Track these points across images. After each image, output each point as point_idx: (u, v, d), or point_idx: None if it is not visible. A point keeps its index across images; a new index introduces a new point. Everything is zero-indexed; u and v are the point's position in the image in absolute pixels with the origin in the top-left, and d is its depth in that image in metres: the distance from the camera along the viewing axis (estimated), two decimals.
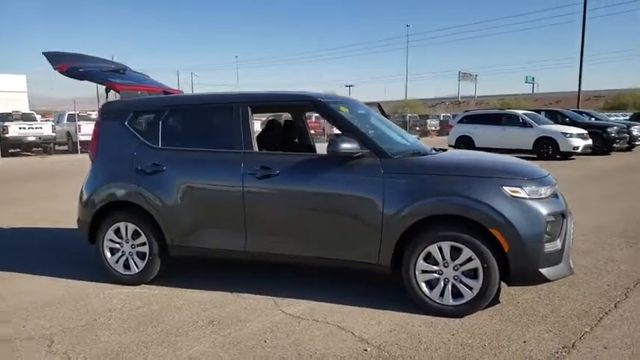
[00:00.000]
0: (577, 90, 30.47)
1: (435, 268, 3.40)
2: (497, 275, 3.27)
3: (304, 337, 3.14)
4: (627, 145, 17.19)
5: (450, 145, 16.03)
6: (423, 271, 3.43)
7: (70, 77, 4.58)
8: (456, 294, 3.39)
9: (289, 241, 3.75)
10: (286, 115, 5.23)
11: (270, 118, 5.03)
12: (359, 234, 3.53)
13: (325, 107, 3.82)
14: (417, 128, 33.90)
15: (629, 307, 3.57)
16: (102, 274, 4.28)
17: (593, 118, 18.60)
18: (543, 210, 3.28)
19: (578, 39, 28.44)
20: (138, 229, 4.09)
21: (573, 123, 16.57)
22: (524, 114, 15.73)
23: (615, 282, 4.08)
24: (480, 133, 15.79)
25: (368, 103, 4.68)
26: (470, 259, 3.31)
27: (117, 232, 4.18)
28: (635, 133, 17.66)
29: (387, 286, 3.96)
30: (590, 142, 14.90)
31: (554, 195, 3.46)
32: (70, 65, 4.54)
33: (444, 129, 34.42)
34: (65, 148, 22.77)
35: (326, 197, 3.60)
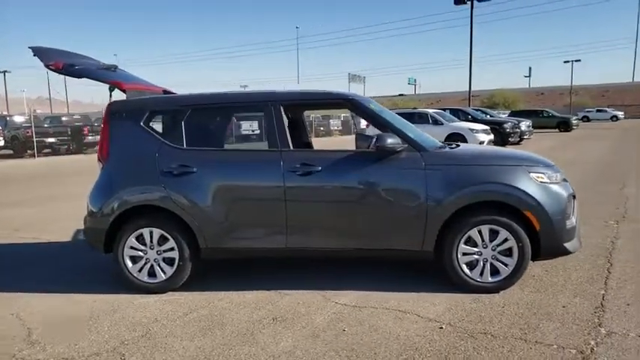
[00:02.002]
0: (454, 90, 33.36)
1: (475, 249, 3.75)
2: (529, 252, 3.70)
3: (378, 323, 3.31)
4: (518, 139, 19.36)
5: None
6: (464, 254, 3.76)
7: (66, 75, 4.24)
8: (494, 272, 3.76)
9: (332, 235, 3.87)
10: None
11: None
12: (404, 224, 3.76)
13: (361, 105, 4.00)
14: (322, 128, 34.67)
15: (620, 271, 4.20)
16: (115, 284, 4.05)
17: (488, 116, 20.65)
18: (563, 192, 3.77)
19: (454, 43, 31.14)
20: (165, 233, 3.93)
21: (474, 120, 18.25)
22: (434, 112, 17.02)
23: (595, 253, 4.74)
24: None
25: None
26: (506, 240, 3.70)
27: (138, 238, 3.97)
28: (523, 128, 19.94)
29: (418, 270, 4.25)
30: (492, 137, 16.55)
31: (564, 180, 3.97)
32: (65, 62, 4.20)
33: (345, 129, 35.69)
34: None
35: (370, 191, 3.77)
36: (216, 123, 4.17)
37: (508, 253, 3.73)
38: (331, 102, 4.19)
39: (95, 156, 4.35)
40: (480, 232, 3.72)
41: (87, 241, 4.21)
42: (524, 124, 20.40)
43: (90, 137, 23.16)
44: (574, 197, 3.96)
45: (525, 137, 20.25)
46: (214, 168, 3.90)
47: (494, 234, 3.72)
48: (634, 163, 12.43)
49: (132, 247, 3.98)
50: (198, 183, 3.88)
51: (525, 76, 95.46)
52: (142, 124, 4.05)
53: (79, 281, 4.38)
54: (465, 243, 3.74)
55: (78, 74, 4.23)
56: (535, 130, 29.15)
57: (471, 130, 16.03)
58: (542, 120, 30.70)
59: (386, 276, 4.21)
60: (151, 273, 4.00)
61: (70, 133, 22.85)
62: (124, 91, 4.25)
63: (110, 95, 4.28)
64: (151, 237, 3.96)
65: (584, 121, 49.67)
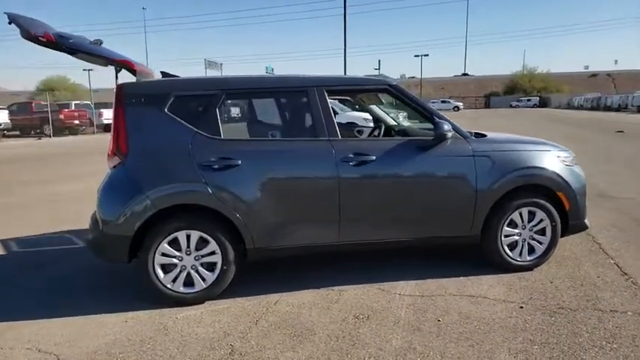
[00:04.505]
0: None
1: (516, 231, 3.96)
2: (560, 230, 4.01)
3: (462, 310, 3.32)
4: None
5: None
6: (506, 236, 3.94)
7: (59, 50, 3.47)
8: (530, 251, 4.01)
9: (388, 227, 3.77)
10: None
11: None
12: (455, 210, 3.81)
13: (404, 91, 3.93)
14: None
15: (605, 241, 4.75)
16: (121, 298, 3.48)
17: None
18: (581, 173, 4.15)
19: (310, 35, 32.06)
20: (205, 235, 3.47)
21: (362, 110, 19.03)
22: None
23: None
24: None
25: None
26: (541, 220, 3.97)
27: (171, 243, 3.45)
28: (401, 118, 21.40)
29: (443, 255, 4.36)
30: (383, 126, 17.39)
31: (576, 163, 4.36)
32: (55, 33, 3.44)
33: None
34: None
35: (426, 179, 3.75)
36: (255, 109, 3.76)
37: (542, 232, 4.00)
38: (375, 88, 4.06)
39: None
40: (520, 214, 3.93)
41: (97, 253, 3.53)
42: (402, 115, 21.89)
43: None
44: None
45: None
46: (262, 160, 3.53)
47: (531, 215, 3.96)
48: None
49: (164, 254, 3.44)
50: (244, 177, 3.47)
51: (375, 69, 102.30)
52: (166, 110, 3.49)
53: (76, 299, 3.68)
54: (508, 225, 3.93)
55: (73, 49, 3.49)
56: None
57: (365, 119, 16.67)
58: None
59: (420, 264, 4.23)
60: (187, 282, 3.50)
61: None
62: (133, 72, 3.62)
63: (116, 77, 3.61)
64: (188, 241, 3.46)
65: None
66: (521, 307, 3.34)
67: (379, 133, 4.94)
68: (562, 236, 4.15)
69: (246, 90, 3.73)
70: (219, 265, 3.51)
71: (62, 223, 5.99)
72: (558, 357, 2.70)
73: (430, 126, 4.44)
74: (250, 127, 3.78)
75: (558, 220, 3.97)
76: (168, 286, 3.47)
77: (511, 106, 64.62)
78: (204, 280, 3.52)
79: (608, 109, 44.32)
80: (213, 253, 3.50)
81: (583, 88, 73.31)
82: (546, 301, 3.44)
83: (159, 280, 3.45)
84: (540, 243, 4.00)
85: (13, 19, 3.39)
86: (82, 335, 3.10)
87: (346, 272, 4.07)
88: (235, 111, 3.76)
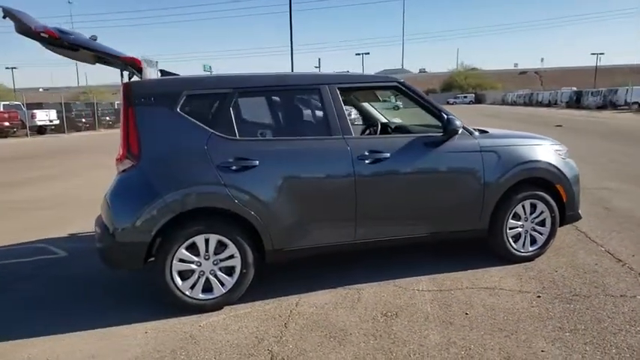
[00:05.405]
0: None
1: (520, 223, 4.10)
2: (558, 221, 4.19)
3: (485, 302, 3.40)
4: None
5: None
6: (511, 228, 4.07)
7: (59, 47, 3.22)
8: (532, 242, 4.16)
9: (401, 224, 3.78)
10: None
11: None
12: (466, 205, 3.89)
13: (411, 89, 3.96)
14: None
15: (588, 229, 5.03)
16: (121, 305, 3.32)
17: None
18: (575, 165, 4.35)
19: (250, 33, 31.83)
20: (224, 239, 3.34)
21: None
22: None
23: None
24: None
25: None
26: (542, 212, 4.13)
27: (188, 248, 3.30)
28: (353, 115, 21.65)
29: (436, 250, 4.44)
30: None
31: (569, 156, 4.55)
32: (56, 29, 3.19)
33: None
34: None
35: (437, 175, 3.80)
36: (267, 108, 3.66)
37: (542, 223, 4.16)
38: (384, 85, 4.05)
39: None
40: (523, 206, 4.06)
41: (108, 262, 3.31)
42: (354, 112, 22.15)
43: None
44: None
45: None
46: (279, 160, 3.44)
47: (532, 207, 4.11)
48: None
49: (182, 260, 3.29)
50: (262, 178, 3.38)
51: (315, 67, 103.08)
52: (178, 110, 3.33)
53: (82, 312, 3.45)
54: (512, 218, 4.06)
55: (75, 45, 3.25)
56: None
57: None
58: None
59: (425, 260, 4.29)
60: (206, 288, 3.36)
61: None
62: (140, 70, 3.43)
63: (121, 75, 3.40)
64: (207, 245, 3.32)
65: None
66: (539, 297, 3.46)
67: (376, 131, 4.95)
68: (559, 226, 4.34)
69: (259, 88, 3.62)
70: (238, 269, 3.40)
71: (29, 233, 5.59)
72: (592, 342, 2.82)
73: (418, 122, 4.57)
74: (264, 126, 3.69)
75: (557, 211, 4.14)
76: (187, 293, 3.32)
77: (448, 103, 66.91)
78: (223, 285, 3.39)
79: (539, 104, 46.97)
80: (232, 256, 3.38)
81: (513, 84, 77.33)
82: (559, 289, 3.58)
83: (177, 288, 3.29)
84: (541, 234, 4.16)
85: (8, 12, 3.11)
86: (102, 350, 2.90)
87: (354, 270, 4.06)
88: (248, 110, 3.64)
